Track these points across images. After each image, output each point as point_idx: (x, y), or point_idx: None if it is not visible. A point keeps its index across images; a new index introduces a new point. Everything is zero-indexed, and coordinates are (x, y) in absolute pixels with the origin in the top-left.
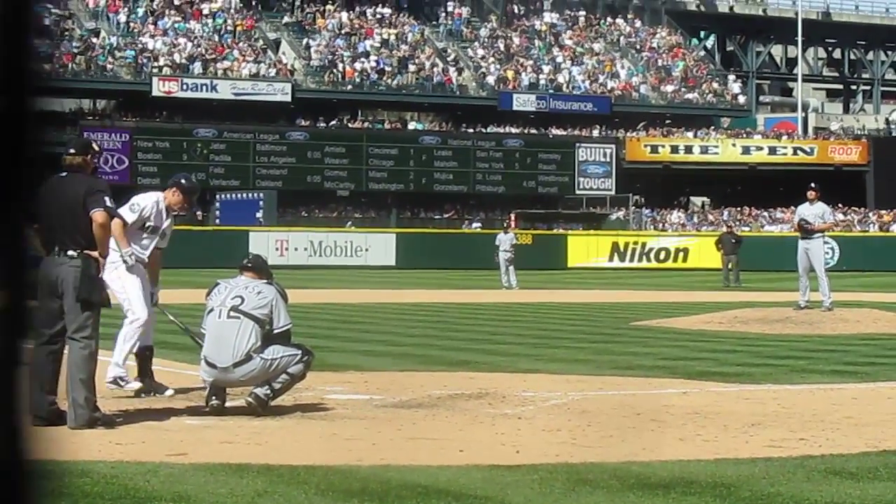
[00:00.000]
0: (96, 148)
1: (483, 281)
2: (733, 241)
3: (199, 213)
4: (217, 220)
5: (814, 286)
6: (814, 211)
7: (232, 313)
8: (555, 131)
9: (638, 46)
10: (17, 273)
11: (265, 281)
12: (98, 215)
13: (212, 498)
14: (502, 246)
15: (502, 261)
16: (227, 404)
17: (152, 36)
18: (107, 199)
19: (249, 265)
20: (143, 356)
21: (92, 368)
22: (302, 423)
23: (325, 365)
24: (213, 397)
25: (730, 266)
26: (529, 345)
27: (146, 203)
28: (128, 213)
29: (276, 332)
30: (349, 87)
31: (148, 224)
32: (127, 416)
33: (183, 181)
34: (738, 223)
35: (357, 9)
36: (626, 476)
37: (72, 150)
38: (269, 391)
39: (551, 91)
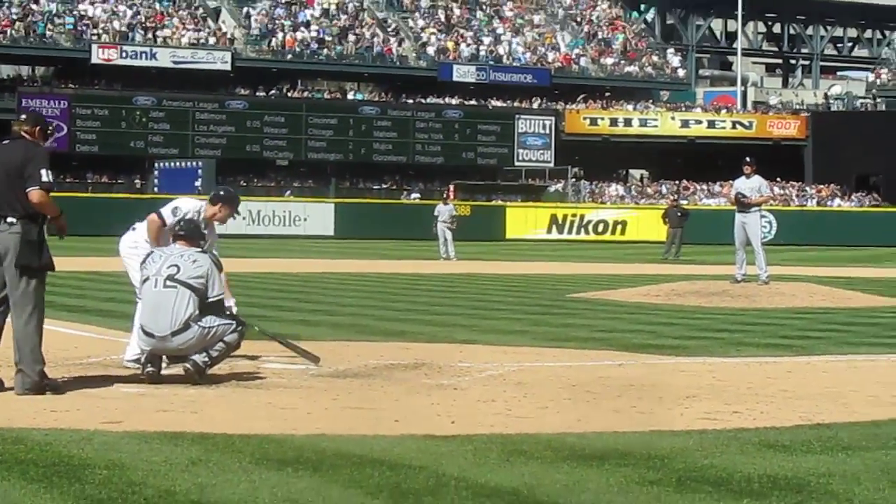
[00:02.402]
0: (49, 130)
1: (421, 251)
2: (679, 214)
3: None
4: (155, 189)
5: (750, 259)
6: (750, 185)
7: (168, 282)
8: (494, 103)
9: (578, 19)
10: None
11: (199, 249)
12: (34, 194)
13: (146, 466)
14: (441, 217)
15: (440, 231)
16: (163, 372)
17: (92, 3)
18: (44, 171)
19: (182, 233)
20: None
21: (38, 336)
22: (237, 391)
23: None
24: (149, 365)
25: (674, 239)
26: (466, 315)
27: (189, 209)
28: (170, 215)
29: (209, 300)
30: (289, 56)
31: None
32: (62, 384)
33: (223, 193)
34: (679, 196)
35: None
36: (560, 447)
37: (22, 117)
38: (206, 358)
39: (491, 62)
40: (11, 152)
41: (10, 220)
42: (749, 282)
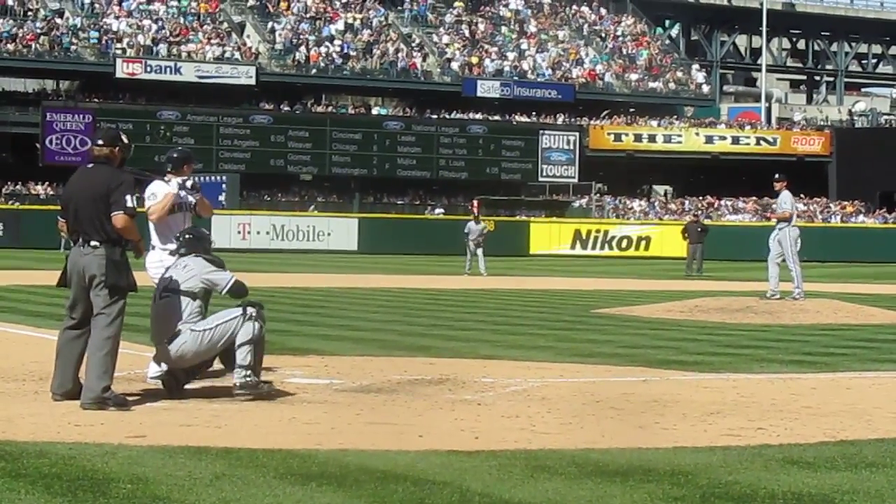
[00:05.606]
0: (125, 140)
1: (445, 267)
2: (699, 229)
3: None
4: None
5: (784, 276)
6: (778, 200)
7: (163, 293)
8: (518, 118)
9: (602, 34)
10: None
11: (195, 254)
12: (118, 219)
13: (170, 480)
14: (472, 235)
15: (472, 248)
16: (186, 386)
17: (117, 17)
18: (128, 198)
19: (182, 250)
20: None
21: (108, 351)
22: (261, 406)
23: (286, 349)
24: (171, 379)
25: (695, 255)
26: (490, 331)
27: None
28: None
29: (225, 293)
30: (313, 71)
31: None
32: (127, 399)
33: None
34: (700, 212)
35: None
36: (584, 463)
37: (99, 142)
38: (244, 373)
39: (515, 78)
40: (97, 177)
41: (93, 243)
42: (782, 298)
